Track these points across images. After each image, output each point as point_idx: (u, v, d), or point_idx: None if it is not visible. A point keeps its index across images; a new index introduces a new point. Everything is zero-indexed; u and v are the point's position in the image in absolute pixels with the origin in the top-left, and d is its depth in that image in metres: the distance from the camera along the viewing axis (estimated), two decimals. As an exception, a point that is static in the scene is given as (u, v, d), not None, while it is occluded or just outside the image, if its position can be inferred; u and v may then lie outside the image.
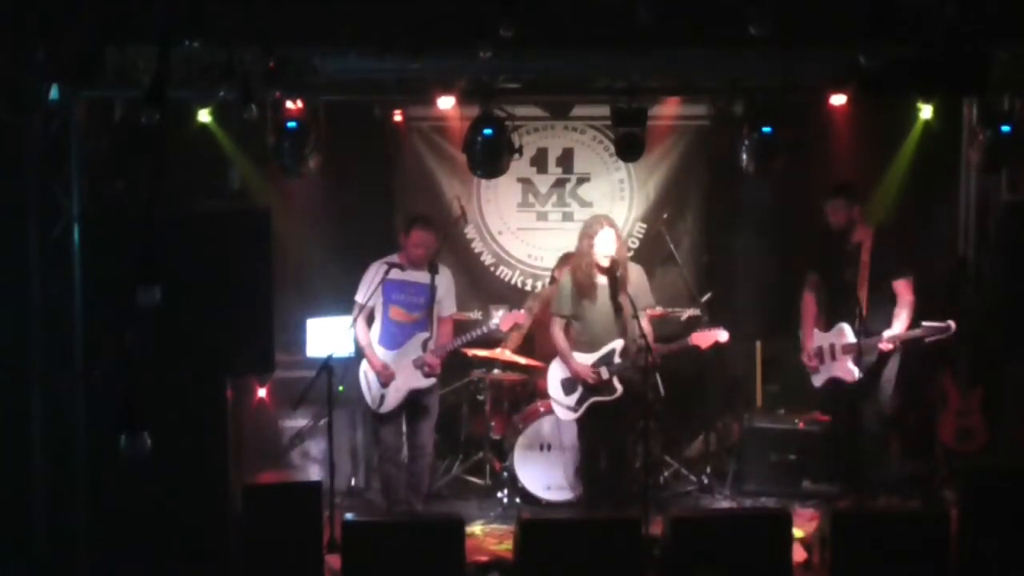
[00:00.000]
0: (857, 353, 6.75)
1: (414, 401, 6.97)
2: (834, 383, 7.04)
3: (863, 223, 7.01)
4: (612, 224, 6.79)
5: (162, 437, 3.74)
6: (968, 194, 8.24)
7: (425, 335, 6.93)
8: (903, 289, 6.88)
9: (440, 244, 7.32)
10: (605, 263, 6.67)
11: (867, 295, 6.83)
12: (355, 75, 6.42)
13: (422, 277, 6.95)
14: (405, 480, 7.05)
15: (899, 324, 6.81)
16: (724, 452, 8.10)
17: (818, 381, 7.15)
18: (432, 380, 6.97)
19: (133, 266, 3.66)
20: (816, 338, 7.10)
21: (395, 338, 6.97)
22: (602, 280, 6.75)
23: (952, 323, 6.69)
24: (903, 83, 6.21)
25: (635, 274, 6.83)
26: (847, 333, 6.87)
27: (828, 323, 7.06)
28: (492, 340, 7.79)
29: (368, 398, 6.99)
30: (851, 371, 6.84)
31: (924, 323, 6.75)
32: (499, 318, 7.11)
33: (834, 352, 6.97)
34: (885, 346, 6.77)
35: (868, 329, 6.76)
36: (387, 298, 6.94)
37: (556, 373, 6.95)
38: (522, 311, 7.23)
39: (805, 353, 7.15)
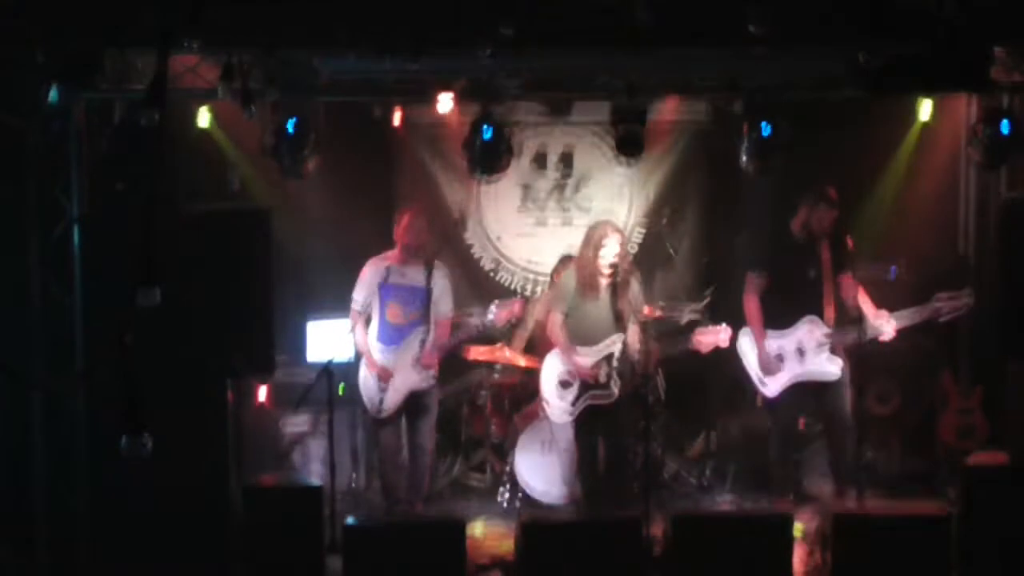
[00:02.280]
0: (841, 346, 6.76)
1: (413, 401, 6.97)
2: (800, 384, 6.96)
3: None
4: (617, 230, 6.75)
5: (163, 438, 3.74)
6: (967, 192, 8.25)
7: (422, 334, 6.92)
8: (849, 282, 6.89)
9: (436, 242, 7.30)
10: (608, 271, 6.68)
11: (832, 290, 6.85)
12: (355, 76, 6.43)
13: (418, 278, 6.95)
14: (405, 481, 7.05)
15: (871, 312, 6.77)
16: (725, 452, 8.10)
17: (774, 386, 6.95)
18: (431, 380, 6.97)
19: (133, 267, 3.66)
20: (774, 340, 6.96)
21: (393, 339, 6.97)
22: (604, 283, 6.75)
23: (969, 289, 6.66)
24: (903, 81, 6.21)
25: (633, 283, 6.81)
26: (819, 328, 6.85)
27: (785, 324, 6.93)
28: (492, 340, 7.79)
29: (368, 403, 6.98)
30: (828, 367, 6.81)
31: (938, 295, 6.74)
32: (492, 312, 6.98)
33: (802, 351, 6.91)
34: (888, 336, 6.75)
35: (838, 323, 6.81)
36: (384, 298, 6.94)
37: (551, 373, 6.93)
38: (513, 300, 7.12)
39: (759, 359, 6.94)
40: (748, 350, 7.04)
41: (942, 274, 8.06)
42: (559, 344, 6.84)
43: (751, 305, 7.01)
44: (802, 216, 6.92)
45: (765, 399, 7.06)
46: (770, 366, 6.94)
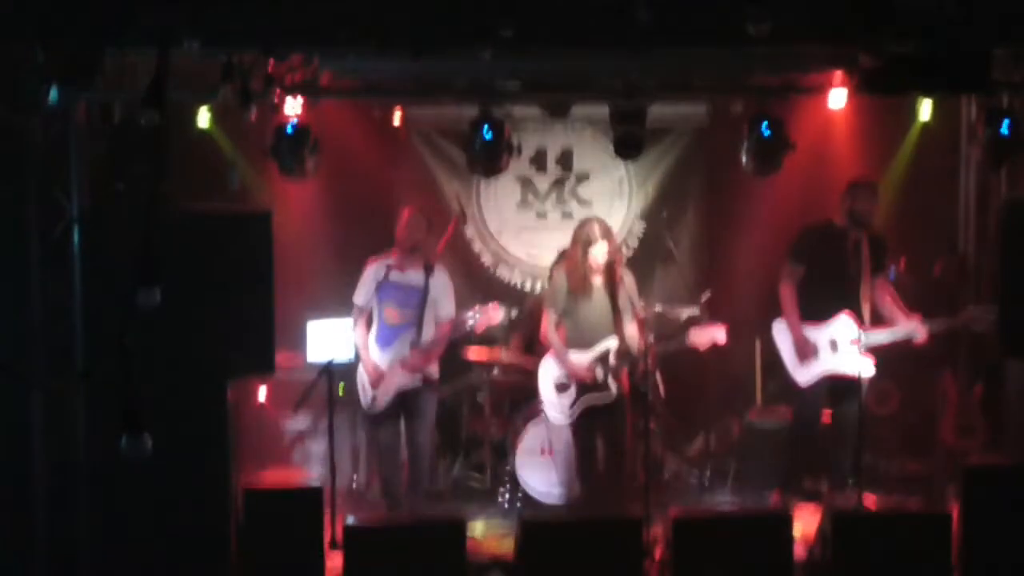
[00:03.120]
0: (874, 347, 6.78)
1: (406, 401, 6.94)
2: (830, 379, 6.99)
3: None
4: (606, 234, 6.72)
5: (163, 439, 3.74)
6: (968, 192, 8.26)
7: (412, 335, 6.90)
8: (884, 282, 6.98)
9: (435, 240, 7.31)
10: (598, 268, 6.67)
11: (867, 289, 6.89)
12: (355, 75, 6.42)
13: (416, 278, 6.94)
14: (405, 481, 7.05)
15: (903, 316, 6.88)
16: (725, 451, 8.11)
17: (806, 376, 7.01)
18: (420, 380, 6.94)
19: (133, 267, 3.66)
20: (808, 331, 7.02)
21: (388, 339, 6.97)
22: (598, 280, 6.74)
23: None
24: (903, 81, 6.20)
25: (627, 279, 6.80)
26: (852, 327, 6.86)
27: (821, 316, 6.98)
28: (492, 340, 7.79)
29: (362, 399, 6.99)
30: (861, 363, 6.80)
31: (972, 306, 6.83)
32: (474, 319, 6.88)
33: (835, 346, 6.94)
34: (921, 339, 6.80)
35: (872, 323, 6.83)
36: (381, 299, 6.94)
37: (548, 374, 6.93)
38: (492, 304, 7.02)
39: (795, 343, 7.00)
40: (783, 338, 7.07)
41: (942, 274, 8.09)
42: (552, 347, 6.83)
43: (786, 293, 7.05)
44: (846, 203, 6.94)
45: (795, 388, 7.07)
46: (806, 351, 6.94)
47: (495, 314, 6.97)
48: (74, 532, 5.85)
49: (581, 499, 7.10)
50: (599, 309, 6.75)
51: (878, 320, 6.92)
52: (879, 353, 6.88)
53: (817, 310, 7.00)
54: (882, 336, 6.81)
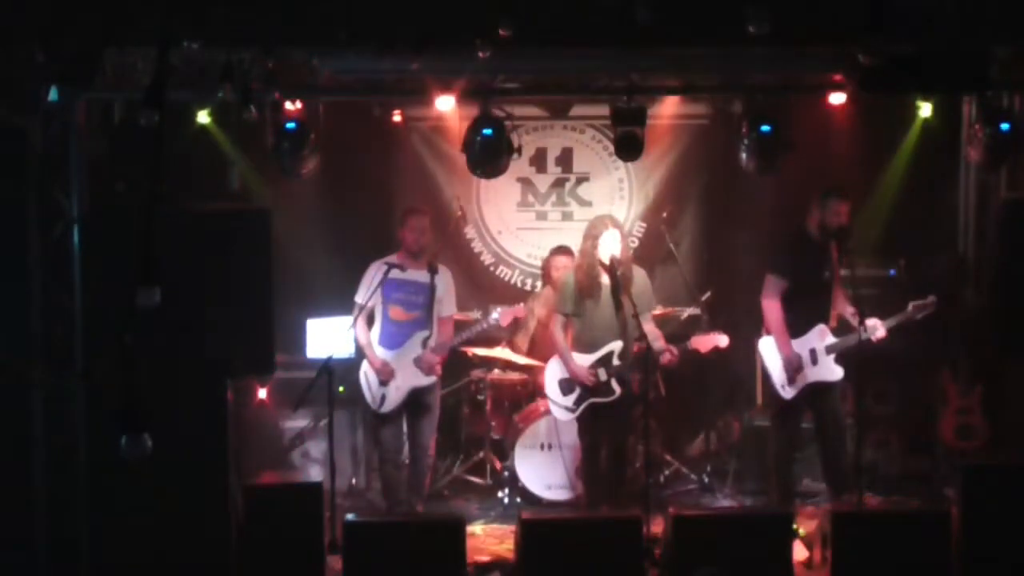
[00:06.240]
0: (845, 351, 6.70)
1: (415, 400, 6.97)
2: (812, 388, 6.90)
3: None
4: (616, 224, 6.76)
5: (163, 438, 3.74)
6: (967, 191, 8.26)
7: (424, 333, 6.93)
8: (841, 286, 6.90)
9: (437, 241, 7.32)
10: (607, 262, 6.66)
11: (839, 291, 6.84)
12: (355, 75, 6.43)
13: (422, 276, 6.96)
14: (406, 480, 7.05)
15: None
16: (725, 451, 8.10)
17: (793, 392, 6.82)
18: (432, 379, 6.98)
19: (133, 267, 3.66)
20: (792, 346, 6.84)
21: (394, 338, 6.97)
22: (606, 280, 6.74)
23: (933, 297, 6.69)
24: (903, 81, 6.20)
25: (639, 277, 6.81)
26: (828, 334, 6.79)
27: (802, 329, 6.84)
28: (493, 339, 7.80)
29: (368, 398, 6.99)
30: (835, 371, 6.75)
31: (912, 303, 6.74)
32: (499, 313, 7.09)
33: (815, 356, 6.85)
34: (878, 336, 6.71)
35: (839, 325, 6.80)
36: (387, 297, 6.94)
37: (553, 373, 6.93)
38: (521, 305, 7.23)
39: (786, 362, 6.77)
40: (770, 355, 6.90)
41: (942, 274, 8.08)
42: (558, 348, 6.83)
43: (773, 310, 6.82)
44: (816, 215, 6.85)
45: (779, 402, 6.94)
46: (796, 374, 6.78)
47: (522, 311, 7.17)
48: (74, 532, 5.86)
49: (582, 497, 7.10)
50: (608, 309, 6.75)
51: (843, 324, 6.85)
52: (848, 355, 6.78)
53: (799, 323, 6.83)
54: (851, 339, 6.71)
